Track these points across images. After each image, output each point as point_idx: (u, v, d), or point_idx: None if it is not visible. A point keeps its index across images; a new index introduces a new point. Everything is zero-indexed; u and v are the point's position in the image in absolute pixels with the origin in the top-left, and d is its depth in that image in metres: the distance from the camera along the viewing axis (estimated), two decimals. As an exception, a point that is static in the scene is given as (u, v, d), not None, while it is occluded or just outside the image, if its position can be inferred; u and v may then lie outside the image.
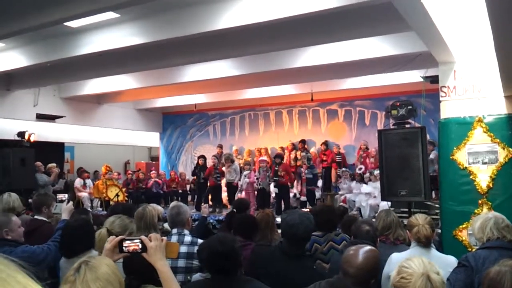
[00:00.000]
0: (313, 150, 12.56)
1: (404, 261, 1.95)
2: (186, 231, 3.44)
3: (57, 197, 4.62)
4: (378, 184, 7.67)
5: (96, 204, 11.48)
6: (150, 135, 16.23)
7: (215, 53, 8.01)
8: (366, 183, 9.89)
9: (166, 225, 4.08)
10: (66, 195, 4.86)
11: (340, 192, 10.80)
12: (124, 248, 1.86)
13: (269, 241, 3.82)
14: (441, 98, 5.85)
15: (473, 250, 4.10)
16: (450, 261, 2.99)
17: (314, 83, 10.99)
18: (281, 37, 7.20)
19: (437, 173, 8.15)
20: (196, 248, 3.16)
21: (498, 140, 5.44)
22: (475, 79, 5.64)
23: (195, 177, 11.47)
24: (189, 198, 12.74)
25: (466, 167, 5.54)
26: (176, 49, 7.85)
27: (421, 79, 7.06)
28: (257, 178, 10.03)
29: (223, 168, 10.71)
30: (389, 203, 6.68)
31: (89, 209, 9.42)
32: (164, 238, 1.93)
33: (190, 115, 15.34)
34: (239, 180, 10.46)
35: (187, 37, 6.60)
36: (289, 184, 10.13)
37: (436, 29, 4.57)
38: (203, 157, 11.22)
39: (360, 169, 10.57)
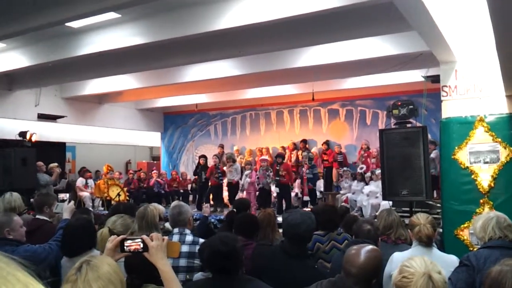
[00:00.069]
0: (314, 149, 12.56)
1: (406, 260, 1.95)
2: (187, 231, 3.44)
3: (59, 196, 4.63)
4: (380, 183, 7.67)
5: (98, 203, 11.50)
6: (152, 135, 16.25)
7: (216, 53, 8.02)
8: (367, 183, 9.88)
9: (167, 225, 4.08)
10: (68, 195, 4.88)
11: (341, 192, 10.80)
12: (125, 247, 1.86)
13: (270, 241, 3.81)
14: (442, 98, 5.85)
15: (475, 249, 4.09)
16: (452, 260, 2.99)
17: (315, 83, 10.99)
18: (282, 37, 7.20)
19: (438, 173, 8.17)
20: (197, 247, 3.17)
21: (499, 140, 5.43)
22: (477, 78, 5.63)
23: (196, 176, 11.49)
24: (190, 197, 12.75)
25: (467, 167, 5.54)
26: (177, 49, 7.85)
27: (423, 79, 7.06)
28: (257, 178, 10.04)
29: (224, 168, 10.73)
30: (391, 202, 6.67)
31: (90, 208, 9.42)
32: (166, 237, 1.93)
33: (191, 115, 15.35)
34: (240, 179, 10.47)
35: (188, 37, 6.60)
36: (290, 183, 10.15)
37: (437, 28, 4.56)
38: (204, 156, 11.22)
39: (362, 168, 10.57)
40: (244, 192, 10.19)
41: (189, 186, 13.16)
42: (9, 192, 4.41)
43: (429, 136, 6.73)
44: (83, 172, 11.97)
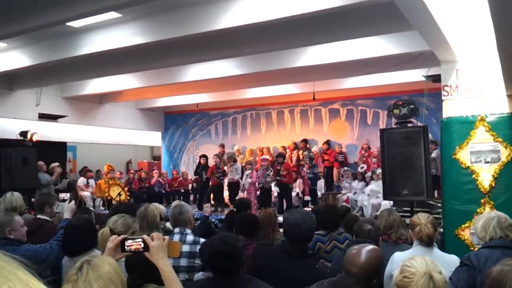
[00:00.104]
0: (315, 148, 12.56)
1: (407, 260, 1.95)
2: (188, 230, 3.44)
3: (59, 196, 4.63)
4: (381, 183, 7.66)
5: (99, 203, 11.51)
6: (152, 134, 16.25)
7: (217, 52, 8.02)
8: (368, 183, 9.87)
9: (168, 224, 4.08)
10: (68, 194, 4.88)
11: (342, 191, 10.80)
12: (126, 247, 1.86)
13: (271, 240, 3.81)
14: (443, 97, 5.84)
15: (475, 249, 4.09)
16: (453, 260, 2.99)
17: (316, 83, 10.99)
18: (282, 37, 7.20)
19: (439, 172, 8.17)
20: (198, 247, 3.17)
21: (500, 139, 5.42)
22: (478, 78, 5.63)
23: (197, 176, 11.49)
24: (191, 197, 12.75)
25: (468, 166, 5.53)
26: (178, 48, 7.86)
27: (423, 78, 7.04)
28: (258, 177, 10.05)
29: (225, 168, 10.73)
30: (392, 202, 6.67)
31: (91, 208, 9.43)
32: (166, 237, 1.93)
33: (192, 115, 15.35)
34: (241, 179, 10.47)
35: (188, 36, 6.60)
36: (290, 183, 10.15)
37: (438, 28, 4.56)
38: (205, 156, 11.23)
39: (362, 168, 10.57)
40: (245, 192, 10.19)
41: (190, 186, 13.16)
42: (10, 192, 4.42)
43: (430, 136, 6.72)
44: (84, 171, 11.98)
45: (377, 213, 7.60)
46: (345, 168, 11.29)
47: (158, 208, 3.64)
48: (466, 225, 5.42)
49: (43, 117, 11.67)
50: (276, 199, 10.41)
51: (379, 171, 8.89)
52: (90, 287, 1.44)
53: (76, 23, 6.85)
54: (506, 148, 5.40)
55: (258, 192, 10.33)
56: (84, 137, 14.04)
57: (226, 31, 6.39)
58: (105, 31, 7.20)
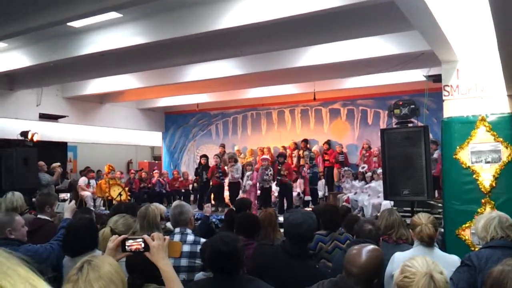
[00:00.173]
0: (315, 148, 12.55)
1: (408, 260, 1.94)
2: (188, 230, 3.44)
3: (60, 196, 4.64)
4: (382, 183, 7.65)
5: (99, 203, 11.51)
6: (153, 134, 16.26)
7: (217, 52, 8.02)
8: (368, 182, 9.86)
9: (168, 224, 4.08)
10: (68, 194, 4.88)
11: (344, 191, 10.79)
12: (126, 247, 1.86)
13: (271, 241, 3.81)
14: (444, 97, 5.83)
15: (476, 249, 4.09)
16: (453, 260, 2.99)
17: (316, 83, 10.98)
18: (283, 37, 7.20)
19: (436, 173, 8.17)
20: (198, 247, 3.17)
21: (501, 139, 5.41)
22: (478, 78, 5.62)
23: (197, 176, 11.48)
24: (192, 197, 12.75)
25: (469, 166, 5.53)
26: (179, 49, 7.86)
27: (424, 78, 7.04)
28: (258, 176, 10.06)
29: (226, 168, 10.72)
30: (392, 202, 6.66)
31: (92, 208, 9.44)
32: (167, 237, 1.93)
33: (192, 115, 15.35)
34: (241, 179, 10.46)
35: (189, 37, 6.60)
36: (292, 182, 10.16)
37: (439, 28, 4.56)
38: (205, 156, 11.23)
39: (363, 167, 10.56)
40: (245, 192, 10.18)
41: (190, 186, 13.17)
42: (11, 192, 4.42)
43: (431, 136, 6.71)
44: (86, 171, 11.99)
45: (378, 213, 7.60)
46: (346, 168, 11.28)
47: (158, 208, 3.64)
48: (467, 225, 5.41)
49: (43, 117, 11.68)
50: (276, 199, 10.40)
51: (380, 170, 8.87)
52: (90, 287, 1.44)
53: (76, 23, 6.85)
54: (506, 148, 5.39)
55: (259, 192, 10.33)
56: (84, 137, 14.05)
57: (226, 31, 6.39)
58: (106, 31, 7.20)
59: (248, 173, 10.23)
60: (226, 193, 10.77)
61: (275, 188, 10.41)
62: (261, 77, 10.05)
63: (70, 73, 9.71)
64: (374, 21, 6.40)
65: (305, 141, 12.59)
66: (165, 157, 16.16)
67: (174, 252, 1.95)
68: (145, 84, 10.87)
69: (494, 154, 5.44)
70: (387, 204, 7.50)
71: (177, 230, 3.43)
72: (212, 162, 10.85)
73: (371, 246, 2.17)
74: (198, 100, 13.45)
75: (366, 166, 10.64)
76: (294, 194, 10.63)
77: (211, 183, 10.59)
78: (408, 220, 3.74)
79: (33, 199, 5.84)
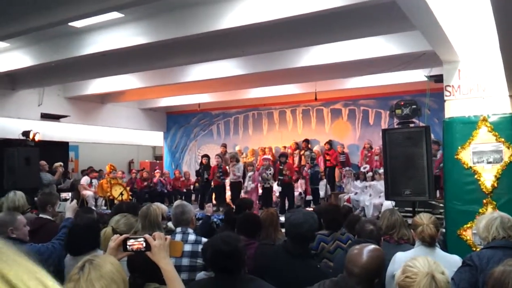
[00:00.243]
0: (316, 147, 12.54)
1: (409, 260, 1.94)
2: (190, 230, 3.44)
3: (61, 195, 4.65)
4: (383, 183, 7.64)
5: (101, 203, 11.52)
6: (154, 134, 16.28)
7: (219, 52, 8.02)
8: (370, 182, 9.85)
9: (170, 224, 4.09)
10: (70, 194, 4.88)
11: (345, 191, 10.79)
12: (128, 246, 1.86)
13: (273, 240, 3.81)
14: (445, 97, 5.83)
15: (478, 249, 4.08)
16: (455, 260, 2.98)
17: (318, 83, 10.98)
18: (284, 37, 7.20)
19: (441, 173, 8.14)
20: (200, 246, 3.17)
21: (502, 139, 5.40)
22: (480, 78, 5.61)
23: (198, 176, 11.49)
24: (193, 197, 12.76)
25: (470, 167, 5.52)
26: (180, 49, 7.86)
27: (426, 78, 7.03)
28: (259, 175, 10.06)
29: (227, 167, 10.73)
30: (393, 202, 6.66)
31: (93, 207, 9.45)
32: (168, 236, 1.93)
33: (193, 115, 15.37)
34: (243, 179, 10.46)
35: (191, 37, 6.61)
36: (293, 182, 10.16)
37: (440, 28, 4.55)
38: (207, 156, 11.24)
39: (365, 168, 10.56)
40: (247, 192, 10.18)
41: (192, 186, 13.17)
42: (12, 191, 4.44)
43: (432, 136, 6.70)
44: (89, 171, 12.00)
45: (379, 213, 7.59)
46: (347, 168, 11.27)
47: (160, 207, 3.65)
48: (468, 225, 5.41)
49: (45, 117, 11.70)
50: (278, 199, 10.40)
51: (381, 170, 8.87)
52: (92, 287, 1.45)
53: (78, 23, 6.86)
54: (508, 148, 5.38)
55: (260, 192, 10.33)
56: (86, 137, 14.07)
57: (228, 31, 6.39)
58: (107, 31, 7.21)
59: (249, 173, 10.23)
60: (228, 193, 10.77)
61: (276, 188, 10.41)
62: (262, 77, 10.05)
63: (72, 73, 9.72)
64: (376, 21, 6.40)
65: (306, 141, 12.58)
66: (167, 157, 16.18)
67: (175, 251, 1.95)
68: (147, 84, 10.88)
69: (496, 154, 5.43)
70: (388, 204, 7.49)
71: (179, 229, 3.44)
72: (213, 162, 10.85)
73: (372, 246, 2.17)
74: (199, 100, 13.45)
75: (367, 166, 10.63)
76: (296, 194, 10.63)
77: (212, 183, 10.60)
78: (409, 220, 3.74)
79: (35, 199, 5.84)
